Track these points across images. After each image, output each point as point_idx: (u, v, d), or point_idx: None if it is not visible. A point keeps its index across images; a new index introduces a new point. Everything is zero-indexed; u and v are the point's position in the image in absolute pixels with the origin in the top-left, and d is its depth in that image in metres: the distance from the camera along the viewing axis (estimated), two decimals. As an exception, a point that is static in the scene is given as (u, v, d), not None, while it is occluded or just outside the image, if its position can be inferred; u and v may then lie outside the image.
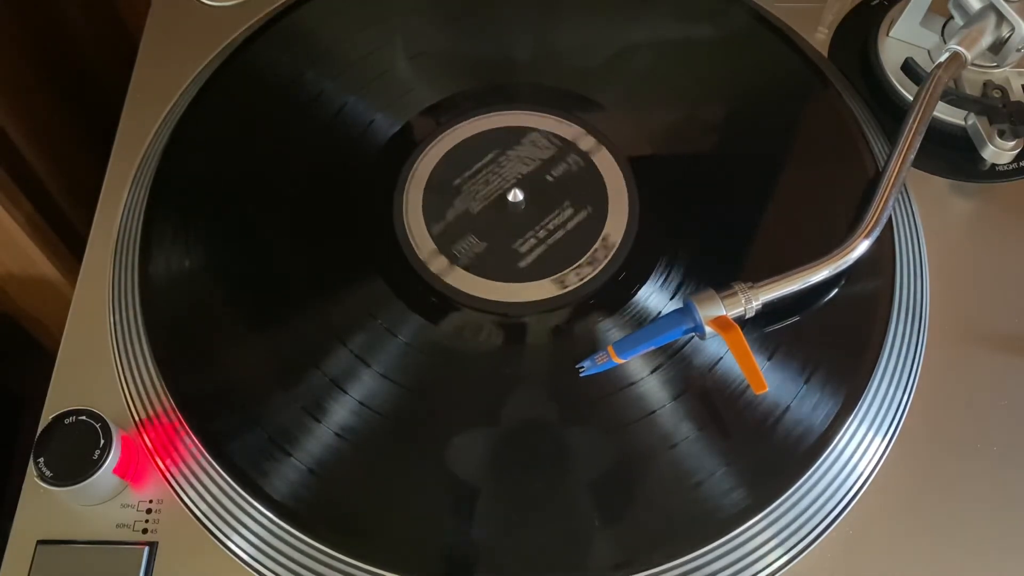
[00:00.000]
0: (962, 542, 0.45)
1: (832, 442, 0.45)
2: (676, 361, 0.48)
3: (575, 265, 0.52)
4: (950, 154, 0.56)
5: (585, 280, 0.51)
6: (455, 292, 0.51)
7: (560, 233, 0.53)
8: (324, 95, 0.58)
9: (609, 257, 0.52)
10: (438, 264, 0.52)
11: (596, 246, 0.52)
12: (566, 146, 0.56)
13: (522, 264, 0.52)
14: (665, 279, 0.51)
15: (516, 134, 0.57)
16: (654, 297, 0.51)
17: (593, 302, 0.51)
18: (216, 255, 0.52)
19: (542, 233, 0.53)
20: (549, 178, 0.55)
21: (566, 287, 0.51)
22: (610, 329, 0.50)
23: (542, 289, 0.51)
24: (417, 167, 0.55)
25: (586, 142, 0.56)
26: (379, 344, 0.49)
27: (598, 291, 0.51)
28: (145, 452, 0.46)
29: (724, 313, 0.46)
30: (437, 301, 0.51)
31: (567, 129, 0.57)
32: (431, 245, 0.53)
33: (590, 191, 0.55)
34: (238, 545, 0.44)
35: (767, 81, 0.59)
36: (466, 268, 0.52)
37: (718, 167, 0.56)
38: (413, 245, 0.53)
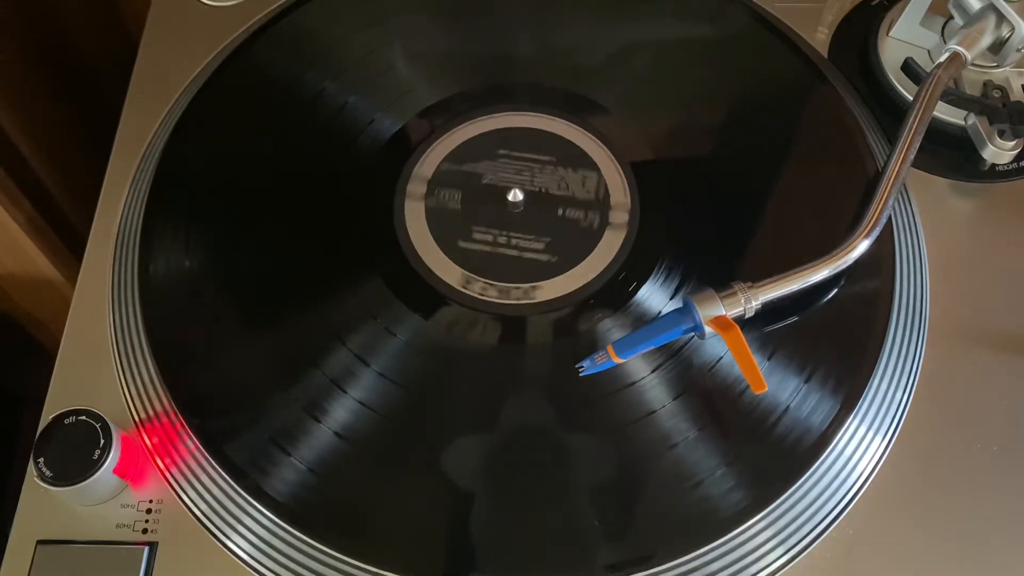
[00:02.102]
0: (962, 542, 0.45)
1: (832, 442, 0.45)
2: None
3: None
4: (950, 154, 0.56)
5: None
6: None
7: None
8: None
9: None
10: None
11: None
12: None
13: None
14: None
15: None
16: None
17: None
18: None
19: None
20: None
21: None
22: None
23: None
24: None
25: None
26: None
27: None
28: (145, 452, 0.46)
29: (724, 313, 0.46)
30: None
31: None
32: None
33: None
34: (238, 545, 0.44)
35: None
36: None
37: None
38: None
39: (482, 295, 0.51)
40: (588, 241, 0.53)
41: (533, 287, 0.51)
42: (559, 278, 0.51)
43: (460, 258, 0.52)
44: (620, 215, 0.54)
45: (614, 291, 0.51)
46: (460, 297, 0.51)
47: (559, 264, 0.52)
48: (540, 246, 0.53)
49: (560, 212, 0.54)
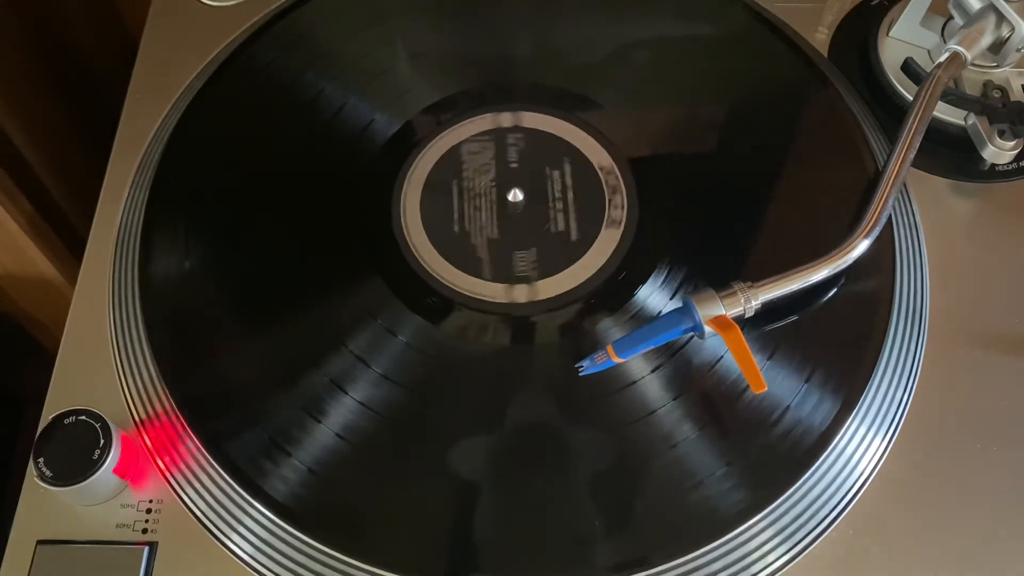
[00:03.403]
0: (962, 542, 0.45)
1: (832, 442, 0.45)
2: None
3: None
4: (950, 154, 0.56)
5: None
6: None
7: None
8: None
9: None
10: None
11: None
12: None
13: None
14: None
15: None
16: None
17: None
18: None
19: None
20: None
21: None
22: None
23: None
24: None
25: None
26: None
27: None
28: (145, 452, 0.46)
29: (723, 313, 0.46)
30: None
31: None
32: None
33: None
34: (238, 545, 0.44)
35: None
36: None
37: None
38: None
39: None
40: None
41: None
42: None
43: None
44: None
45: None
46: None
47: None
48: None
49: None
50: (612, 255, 0.52)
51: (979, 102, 0.54)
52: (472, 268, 0.52)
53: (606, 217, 0.54)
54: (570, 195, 0.54)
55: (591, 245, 0.53)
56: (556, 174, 0.55)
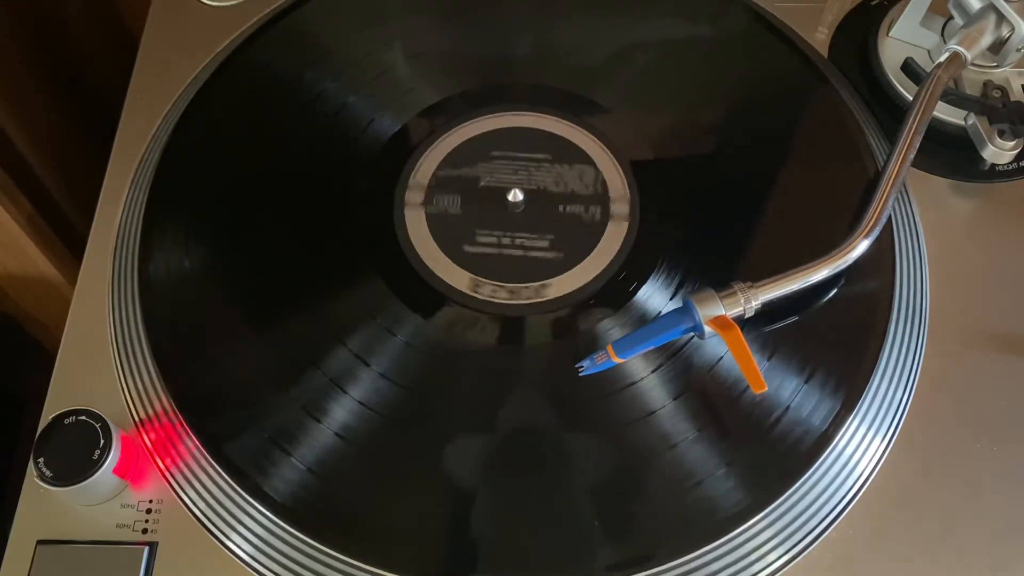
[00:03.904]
0: (962, 542, 0.45)
1: (832, 442, 0.45)
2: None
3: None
4: (950, 154, 0.56)
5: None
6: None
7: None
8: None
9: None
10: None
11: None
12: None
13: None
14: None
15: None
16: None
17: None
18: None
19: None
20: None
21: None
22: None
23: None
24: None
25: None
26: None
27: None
28: (145, 452, 0.46)
29: (723, 313, 0.46)
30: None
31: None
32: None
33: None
34: (238, 545, 0.44)
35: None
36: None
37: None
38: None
39: (482, 294, 0.51)
40: (589, 239, 0.53)
41: (542, 285, 0.51)
42: (564, 275, 0.51)
43: (460, 259, 0.52)
44: (620, 214, 0.54)
45: (614, 291, 0.51)
46: (460, 297, 0.51)
47: (563, 262, 0.52)
48: (541, 244, 0.53)
49: (561, 210, 0.54)
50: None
51: (979, 102, 0.54)
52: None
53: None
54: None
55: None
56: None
